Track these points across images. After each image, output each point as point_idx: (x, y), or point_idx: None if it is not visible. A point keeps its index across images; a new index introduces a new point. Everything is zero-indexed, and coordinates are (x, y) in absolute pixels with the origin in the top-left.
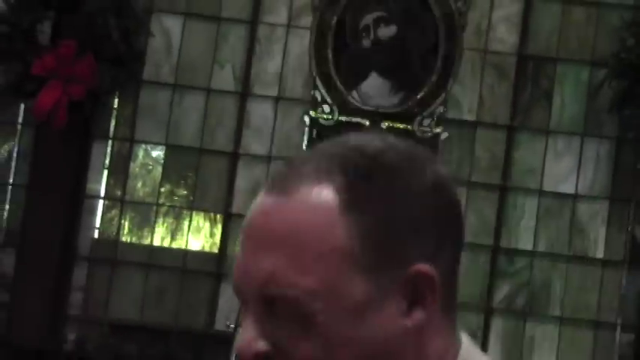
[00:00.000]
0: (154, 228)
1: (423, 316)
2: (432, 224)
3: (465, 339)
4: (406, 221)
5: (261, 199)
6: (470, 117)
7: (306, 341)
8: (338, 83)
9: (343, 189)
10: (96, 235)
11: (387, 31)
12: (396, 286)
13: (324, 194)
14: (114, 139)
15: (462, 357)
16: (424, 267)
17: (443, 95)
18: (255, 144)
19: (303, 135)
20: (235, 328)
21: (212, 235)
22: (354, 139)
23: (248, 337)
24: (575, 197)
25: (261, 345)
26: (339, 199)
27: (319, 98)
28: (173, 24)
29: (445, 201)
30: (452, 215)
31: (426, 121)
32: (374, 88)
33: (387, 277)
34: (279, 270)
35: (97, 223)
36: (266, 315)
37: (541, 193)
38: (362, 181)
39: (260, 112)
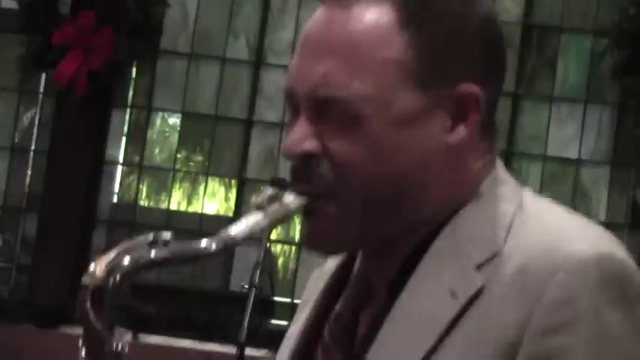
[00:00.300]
0: (170, 192)
1: (465, 134)
2: (483, 51)
3: (499, 164)
4: (459, 43)
5: (320, 12)
6: None
7: (352, 144)
8: None
9: (402, 7)
10: (115, 200)
11: None
12: (443, 102)
13: (384, 9)
14: (132, 107)
15: (490, 177)
16: (472, 86)
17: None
18: (268, 111)
19: None
20: (249, 289)
21: (227, 199)
22: None
23: (297, 136)
24: (578, 162)
25: (310, 144)
26: (398, 15)
27: None
28: None
29: (495, 34)
30: (500, 48)
31: None
32: None
33: (436, 93)
34: (334, 73)
35: (116, 188)
36: (316, 118)
37: (545, 158)
38: (417, 1)
39: (273, 80)
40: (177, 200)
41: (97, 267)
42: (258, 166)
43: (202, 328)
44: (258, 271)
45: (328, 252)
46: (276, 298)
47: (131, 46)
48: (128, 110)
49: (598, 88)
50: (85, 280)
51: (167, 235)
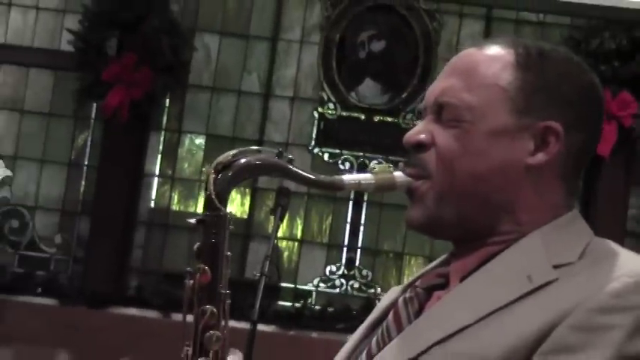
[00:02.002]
0: (197, 199)
1: (543, 160)
2: (578, 105)
3: (577, 213)
4: (555, 92)
5: (464, 51)
6: None
7: (453, 140)
8: (340, 86)
9: (520, 55)
10: (152, 205)
11: (378, 46)
12: (530, 129)
13: (507, 52)
14: (166, 130)
15: (572, 213)
16: (555, 124)
17: (422, 95)
18: (275, 133)
19: (313, 127)
20: (260, 277)
21: (242, 204)
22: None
23: (417, 130)
24: None
25: (423, 136)
26: (515, 57)
27: (325, 98)
28: (211, 40)
29: (594, 98)
30: (595, 111)
31: (409, 116)
32: (368, 90)
33: (526, 120)
34: (453, 87)
35: (153, 195)
36: (434, 119)
37: None
38: (533, 57)
39: (280, 108)
40: (202, 205)
41: (223, 156)
42: (267, 178)
43: None
44: (268, 262)
45: (419, 225)
46: (282, 284)
47: (165, 81)
48: (163, 133)
49: None
50: (210, 167)
51: (290, 156)
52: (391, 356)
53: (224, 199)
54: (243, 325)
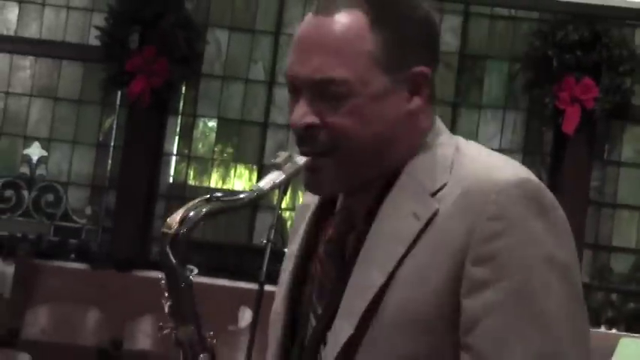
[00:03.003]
0: (210, 175)
1: (419, 101)
2: (427, 42)
3: (437, 119)
4: (411, 36)
5: (309, 19)
6: None
7: (343, 115)
8: None
9: (369, 13)
10: (170, 181)
11: None
12: (403, 81)
13: (357, 15)
14: (182, 114)
15: (433, 130)
16: (423, 68)
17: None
18: (279, 117)
19: None
20: (266, 243)
21: (250, 179)
22: None
23: (301, 112)
24: (500, 151)
25: (310, 118)
26: (367, 18)
27: None
28: (222, 34)
29: (434, 28)
30: (437, 39)
31: None
32: None
33: (398, 75)
34: (326, 63)
35: (172, 172)
36: (313, 98)
37: None
38: (380, 8)
39: (283, 94)
40: (215, 180)
41: (171, 221)
42: (272, 156)
43: (234, 271)
44: (273, 230)
45: (326, 194)
46: (286, 250)
47: (181, 71)
48: (179, 117)
49: (513, 98)
50: (164, 230)
51: (218, 194)
52: (335, 335)
53: (184, 261)
54: (252, 286)
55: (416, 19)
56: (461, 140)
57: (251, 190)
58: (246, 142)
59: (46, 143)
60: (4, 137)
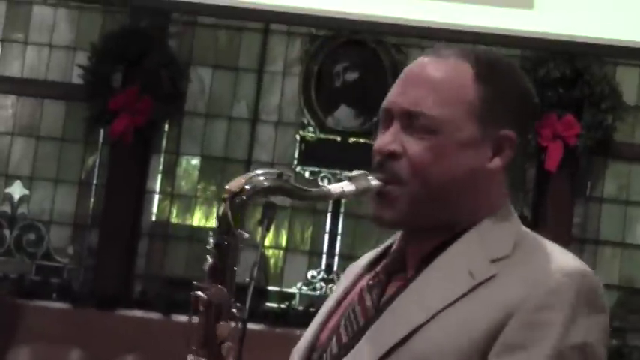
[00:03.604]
0: (193, 213)
1: (499, 163)
2: (522, 111)
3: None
4: (509, 100)
5: (421, 59)
6: None
7: (426, 150)
8: (319, 112)
9: (476, 66)
10: (154, 219)
11: (352, 76)
12: (490, 139)
13: (465, 65)
14: (165, 152)
15: (507, 205)
16: (511, 132)
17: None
18: (262, 154)
19: (295, 148)
20: (250, 281)
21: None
22: (479, 48)
23: (388, 139)
24: None
25: (395, 146)
26: (473, 71)
27: (306, 122)
28: (205, 72)
29: (532, 102)
30: (532, 113)
31: None
32: (343, 115)
33: (488, 130)
34: (424, 98)
35: (155, 210)
36: (404, 129)
37: None
38: (486, 66)
39: (266, 132)
40: (198, 218)
41: (236, 182)
42: None
43: None
44: (256, 268)
45: (390, 225)
46: (269, 287)
47: (164, 109)
48: (162, 155)
49: None
50: (227, 187)
51: (290, 173)
52: (355, 354)
53: (238, 221)
54: (238, 324)
55: (517, 86)
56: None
57: (321, 187)
58: (229, 179)
59: (28, 182)
60: None
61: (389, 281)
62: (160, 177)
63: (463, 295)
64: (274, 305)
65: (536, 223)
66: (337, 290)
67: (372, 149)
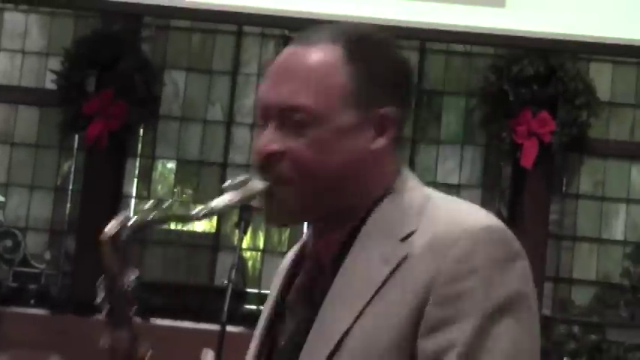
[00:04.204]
0: None
1: (383, 142)
2: (399, 85)
3: (406, 167)
4: (384, 77)
5: (287, 49)
6: None
7: (305, 145)
8: None
9: (346, 47)
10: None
11: None
12: (370, 120)
13: (333, 48)
14: (141, 156)
15: (400, 175)
16: (390, 110)
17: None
18: (238, 156)
19: None
20: (228, 283)
21: (210, 220)
22: (350, 22)
23: (266, 139)
24: (458, 186)
25: (275, 146)
26: (343, 52)
27: None
28: (179, 76)
29: (407, 73)
30: (410, 83)
31: None
32: None
33: (366, 112)
34: (296, 92)
35: (131, 214)
36: (280, 126)
37: (435, 184)
38: (357, 45)
39: (241, 134)
40: (175, 222)
41: (111, 226)
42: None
43: (194, 312)
44: (234, 271)
45: (284, 223)
46: (247, 290)
47: (139, 113)
48: (138, 159)
49: (471, 133)
50: (106, 230)
51: (168, 201)
52: None
53: (124, 263)
54: (214, 327)
55: (391, 61)
56: (430, 189)
57: (203, 207)
58: (205, 182)
59: (4, 188)
60: None
61: (314, 285)
62: (135, 181)
63: (382, 286)
64: (253, 307)
65: (513, 220)
66: (271, 294)
67: None
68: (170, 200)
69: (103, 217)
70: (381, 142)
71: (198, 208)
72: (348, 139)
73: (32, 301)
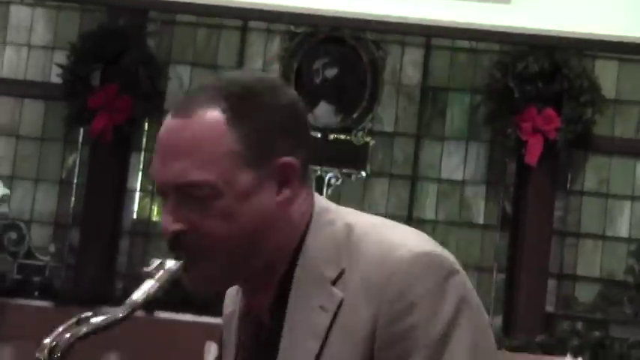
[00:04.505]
0: None
1: (288, 193)
2: (291, 129)
3: (317, 197)
4: (273, 127)
5: (168, 122)
6: (389, 129)
7: (209, 217)
8: None
9: (227, 109)
10: (134, 217)
11: (331, 72)
12: (270, 174)
13: (214, 114)
14: (145, 150)
15: (315, 211)
16: (288, 158)
17: (370, 115)
18: None
19: None
20: None
21: None
22: (231, 74)
23: (168, 219)
24: (462, 182)
25: (177, 225)
26: (224, 116)
27: None
28: (184, 70)
29: (299, 114)
30: (304, 123)
31: (360, 133)
32: (323, 112)
33: (263, 168)
34: (186, 167)
35: (135, 208)
36: (179, 203)
37: (439, 180)
38: (239, 103)
39: None
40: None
41: (43, 347)
42: None
43: (197, 305)
44: None
45: (208, 292)
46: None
47: (144, 107)
48: (142, 152)
49: (476, 129)
50: (37, 355)
51: (88, 313)
52: None
53: None
54: (218, 320)
55: (277, 109)
56: (350, 215)
57: (125, 304)
58: None
59: (9, 181)
60: None
61: (257, 345)
62: (140, 175)
63: (326, 337)
64: None
65: (517, 217)
66: (227, 345)
67: (351, 146)
68: (89, 313)
69: (108, 211)
70: (286, 193)
71: (122, 308)
72: (251, 201)
73: (36, 293)
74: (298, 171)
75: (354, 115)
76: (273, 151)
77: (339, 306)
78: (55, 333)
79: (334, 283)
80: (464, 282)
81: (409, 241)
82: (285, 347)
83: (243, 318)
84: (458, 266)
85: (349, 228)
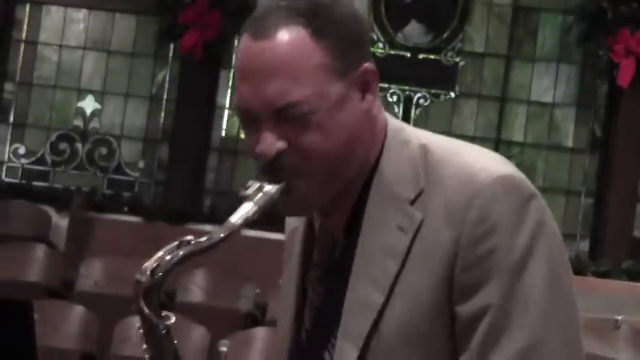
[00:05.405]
0: None
1: (371, 98)
2: (363, 38)
3: (388, 115)
4: (350, 36)
5: (250, 46)
6: (479, 49)
7: (309, 134)
8: (388, 27)
9: (307, 25)
10: (223, 134)
11: None
12: (354, 81)
13: (298, 30)
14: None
15: (389, 128)
16: (369, 65)
17: (461, 35)
18: None
19: None
20: None
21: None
22: None
23: (269, 142)
24: (553, 105)
25: (279, 145)
26: (307, 31)
27: (375, 38)
28: None
29: (363, 21)
30: (368, 33)
31: (449, 53)
32: (413, 30)
33: (349, 77)
34: (281, 89)
35: (224, 125)
36: (277, 125)
37: (529, 102)
38: (315, 18)
39: None
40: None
41: (145, 268)
42: None
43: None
44: None
45: (306, 214)
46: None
47: (234, 23)
48: (232, 70)
49: (567, 51)
50: (138, 277)
51: (189, 237)
52: (340, 357)
53: (157, 306)
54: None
55: (349, 19)
56: (423, 135)
57: (223, 227)
58: None
59: (100, 96)
60: (59, 90)
61: (330, 262)
62: (229, 92)
63: (405, 257)
64: None
65: (607, 140)
66: (289, 264)
67: (441, 66)
68: (190, 237)
69: (196, 127)
70: (369, 98)
71: (218, 232)
72: (344, 111)
73: (125, 209)
74: (378, 75)
75: (445, 35)
76: (354, 60)
77: (419, 227)
78: (157, 255)
79: (412, 203)
80: (543, 206)
81: (489, 164)
82: (360, 266)
83: (317, 238)
84: (536, 191)
85: (425, 149)
